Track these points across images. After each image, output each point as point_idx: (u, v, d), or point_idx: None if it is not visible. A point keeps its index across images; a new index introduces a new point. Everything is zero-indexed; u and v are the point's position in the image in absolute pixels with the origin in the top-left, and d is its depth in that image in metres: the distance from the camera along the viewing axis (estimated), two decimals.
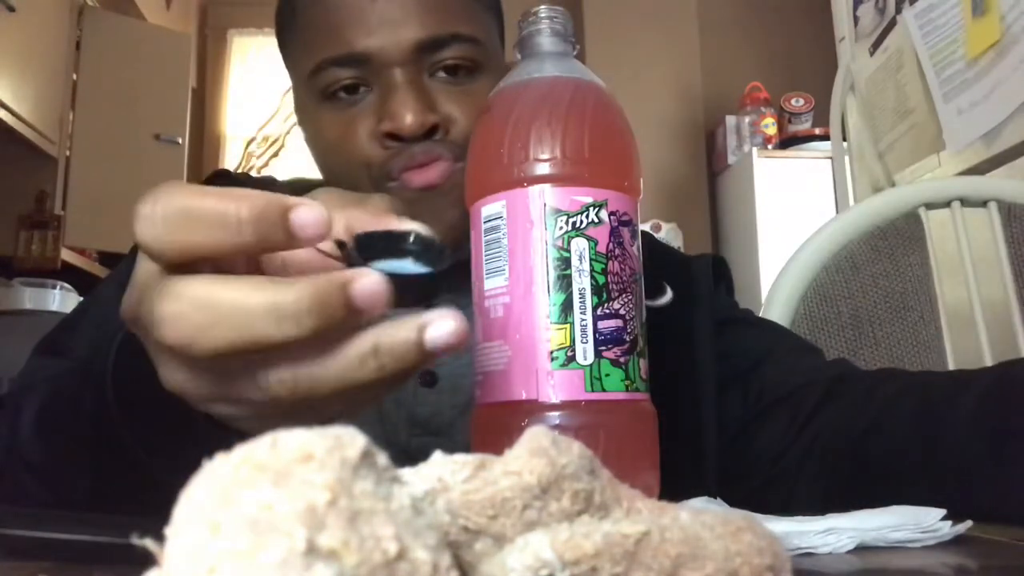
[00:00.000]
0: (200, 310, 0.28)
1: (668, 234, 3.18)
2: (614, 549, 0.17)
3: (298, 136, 0.66)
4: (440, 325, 0.29)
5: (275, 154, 3.82)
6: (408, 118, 0.54)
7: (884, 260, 0.98)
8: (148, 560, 0.16)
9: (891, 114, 1.74)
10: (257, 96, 3.82)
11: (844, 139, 1.89)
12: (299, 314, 0.28)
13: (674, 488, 0.39)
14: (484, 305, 0.43)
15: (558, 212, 0.41)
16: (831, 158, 2.18)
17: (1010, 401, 0.45)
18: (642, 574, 0.17)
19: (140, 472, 0.39)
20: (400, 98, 0.55)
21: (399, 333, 0.29)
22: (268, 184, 0.73)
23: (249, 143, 3.87)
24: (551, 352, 0.40)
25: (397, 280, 0.31)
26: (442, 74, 0.58)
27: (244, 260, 0.33)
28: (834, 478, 0.54)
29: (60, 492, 0.45)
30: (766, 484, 0.59)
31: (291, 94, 0.66)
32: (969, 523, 0.35)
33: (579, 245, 0.41)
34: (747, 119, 3.16)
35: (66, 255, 2.76)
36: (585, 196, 0.41)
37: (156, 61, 3.18)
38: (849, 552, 0.32)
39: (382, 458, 0.17)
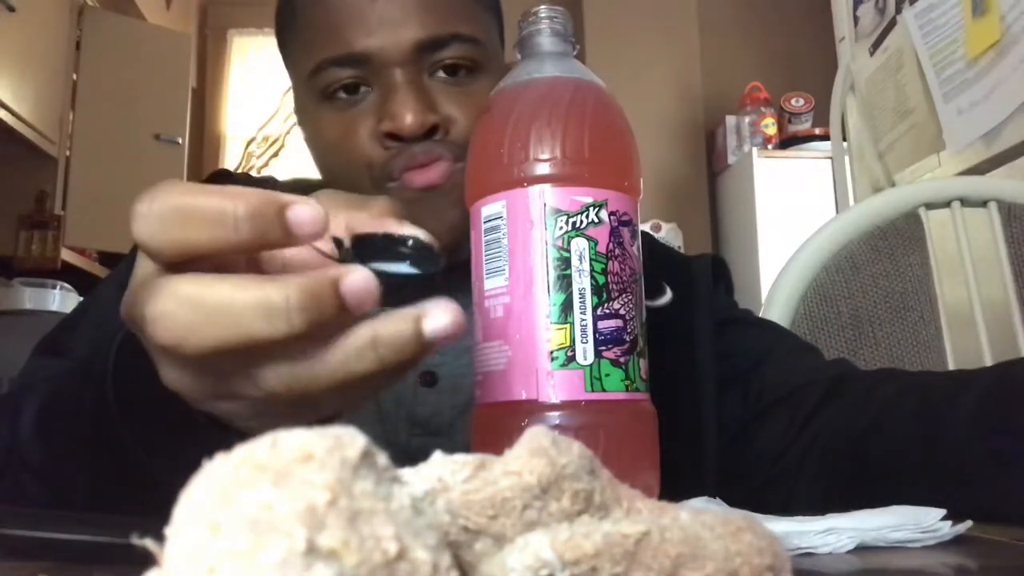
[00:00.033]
0: (190, 309, 0.28)
1: (668, 234, 3.18)
2: (614, 549, 0.17)
3: (298, 136, 0.66)
4: (437, 315, 0.29)
5: (275, 154, 3.82)
6: (408, 118, 0.54)
7: (884, 260, 0.98)
8: (148, 560, 0.16)
9: (891, 114, 1.74)
10: (257, 96, 3.82)
11: (844, 139, 1.89)
12: (289, 311, 0.28)
13: (674, 488, 0.39)
14: (484, 305, 0.43)
15: (558, 212, 0.41)
16: (831, 158, 2.18)
17: (1010, 401, 0.45)
18: (642, 574, 0.17)
19: (140, 472, 0.39)
20: (400, 98, 0.55)
21: (397, 324, 0.29)
22: (268, 184, 0.73)
23: (249, 143, 3.87)
24: (551, 352, 0.40)
25: (392, 281, 0.31)
26: (442, 74, 0.58)
27: (245, 261, 0.33)
28: (834, 478, 0.54)
29: (60, 492, 0.45)
30: (766, 484, 0.59)
31: (291, 94, 0.66)
32: (969, 523, 0.35)
33: (579, 245, 0.41)
34: (747, 119, 3.16)
35: (66, 255, 2.76)
36: (585, 196, 0.41)
37: (156, 61, 3.18)
38: (849, 552, 0.32)
39: (382, 458, 0.17)
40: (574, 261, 0.41)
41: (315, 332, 0.29)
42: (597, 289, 0.41)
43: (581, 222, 0.41)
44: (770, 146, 3.09)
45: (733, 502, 0.44)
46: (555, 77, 0.44)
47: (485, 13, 0.62)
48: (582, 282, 0.41)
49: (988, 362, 0.94)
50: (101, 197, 2.78)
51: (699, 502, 0.42)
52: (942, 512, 0.35)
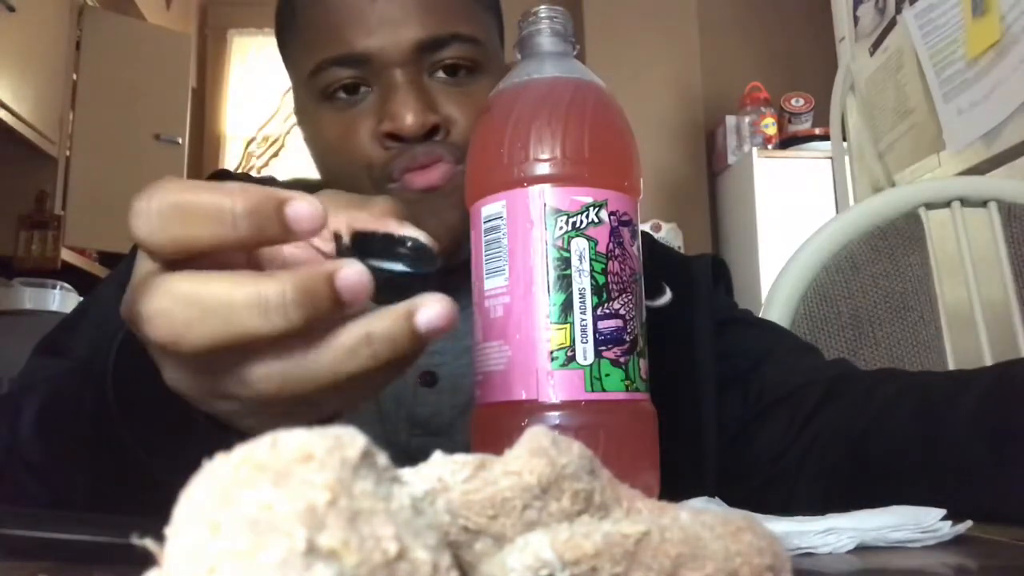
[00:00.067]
0: (186, 305, 0.28)
1: (668, 234, 3.18)
2: (614, 549, 0.17)
3: (298, 136, 0.66)
4: (430, 308, 0.29)
5: (275, 154, 3.83)
6: (409, 118, 0.54)
7: (884, 260, 0.98)
8: (148, 560, 0.16)
9: (891, 114, 1.74)
10: (257, 96, 3.82)
11: (844, 139, 1.89)
12: (285, 306, 0.28)
13: (674, 488, 0.39)
14: (484, 305, 0.43)
15: (558, 212, 0.41)
16: (831, 158, 2.18)
17: (1010, 401, 0.45)
18: (642, 574, 0.17)
19: (140, 472, 0.39)
20: (401, 98, 0.55)
21: (390, 320, 0.29)
22: (268, 184, 0.73)
23: (249, 143, 3.87)
24: (551, 352, 0.40)
25: (388, 280, 0.31)
26: (442, 74, 0.58)
27: (245, 259, 0.33)
28: (834, 478, 0.54)
29: (60, 492, 0.45)
30: (766, 484, 0.59)
31: (291, 94, 0.66)
32: (969, 523, 0.35)
33: (579, 245, 0.41)
34: (747, 119, 3.16)
35: (66, 255, 2.76)
36: (585, 196, 0.41)
37: (156, 61, 3.18)
38: (849, 552, 0.32)
39: (382, 458, 0.17)
40: (574, 261, 0.41)
41: (311, 327, 0.29)
42: (597, 289, 0.41)
43: (581, 222, 0.41)
44: (770, 146, 3.09)
45: (733, 502, 0.44)
46: (555, 77, 0.44)
47: (485, 13, 0.62)
48: (582, 282, 0.41)
49: (988, 362, 0.94)
50: (101, 197, 2.78)
51: (699, 502, 0.42)
52: (942, 512, 0.35)
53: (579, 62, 0.46)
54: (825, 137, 2.59)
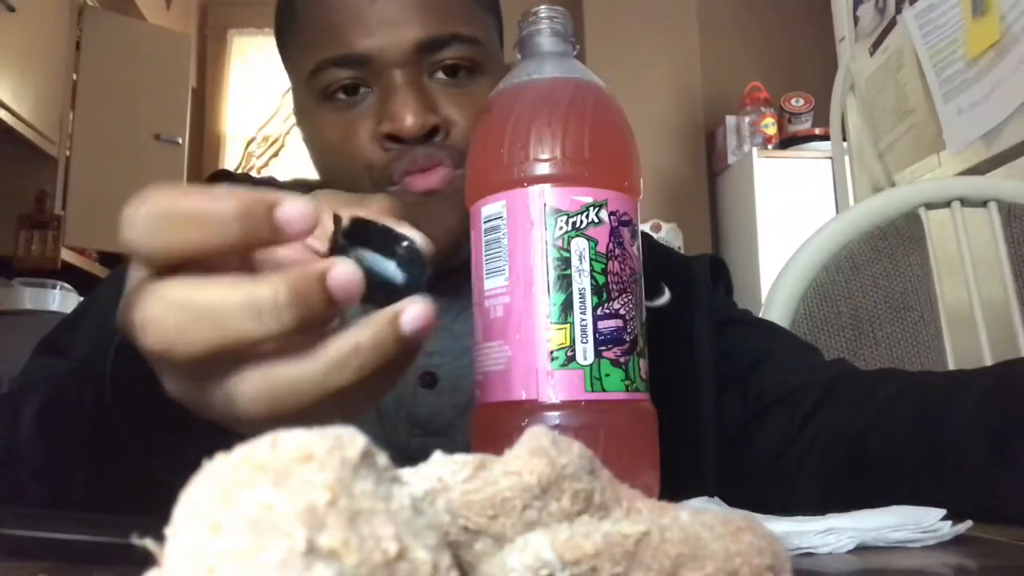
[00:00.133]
0: (178, 312, 0.28)
1: (668, 234, 3.18)
2: (614, 549, 0.17)
3: (298, 136, 0.66)
4: (411, 309, 0.30)
5: (275, 154, 3.83)
6: (409, 119, 0.54)
7: (884, 260, 0.98)
8: (148, 560, 0.16)
9: (891, 114, 1.74)
10: (257, 96, 3.82)
11: (844, 139, 1.89)
12: (277, 308, 0.28)
13: (674, 488, 0.39)
14: (484, 305, 0.43)
15: (558, 212, 0.41)
16: (831, 158, 2.18)
17: (1010, 401, 0.45)
18: (642, 574, 0.17)
19: (140, 472, 0.39)
20: (400, 99, 0.55)
21: (376, 327, 0.29)
22: (269, 184, 0.73)
23: (249, 143, 3.87)
24: (551, 352, 0.40)
25: (375, 287, 0.31)
26: (441, 75, 0.58)
27: (238, 262, 0.33)
28: (834, 478, 0.54)
29: (60, 492, 0.45)
30: (766, 484, 0.59)
31: (291, 95, 0.65)
32: (969, 523, 0.35)
33: (579, 245, 0.41)
34: (747, 119, 3.16)
35: (66, 255, 2.76)
36: (585, 196, 0.41)
37: (156, 61, 3.18)
38: (849, 552, 0.32)
39: (382, 458, 0.17)
40: (574, 261, 0.41)
41: (305, 329, 0.29)
42: (597, 289, 0.41)
43: (581, 222, 0.41)
44: (770, 146, 3.09)
45: (733, 502, 0.44)
46: (555, 77, 0.44)
47: (485, 13, 0.62)
48: (582, 282, 0.41)
49: (988, 362, 0.94)
50: (101, 197, 2.78)
51: (699, 502, 0.42)
52: (942, 512, 0.35)
53: (579, 62, 0.46)
54: (825, 137, 2.59)
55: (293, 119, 0.66)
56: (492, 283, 0.42)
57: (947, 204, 1.02)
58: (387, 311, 0.30)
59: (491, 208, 0.43)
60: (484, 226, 0.43)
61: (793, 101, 3.17)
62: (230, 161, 3.83)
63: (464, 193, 0.46)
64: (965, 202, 1.02)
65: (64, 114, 2.80)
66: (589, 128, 0.42)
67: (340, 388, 0.29)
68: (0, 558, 0.31)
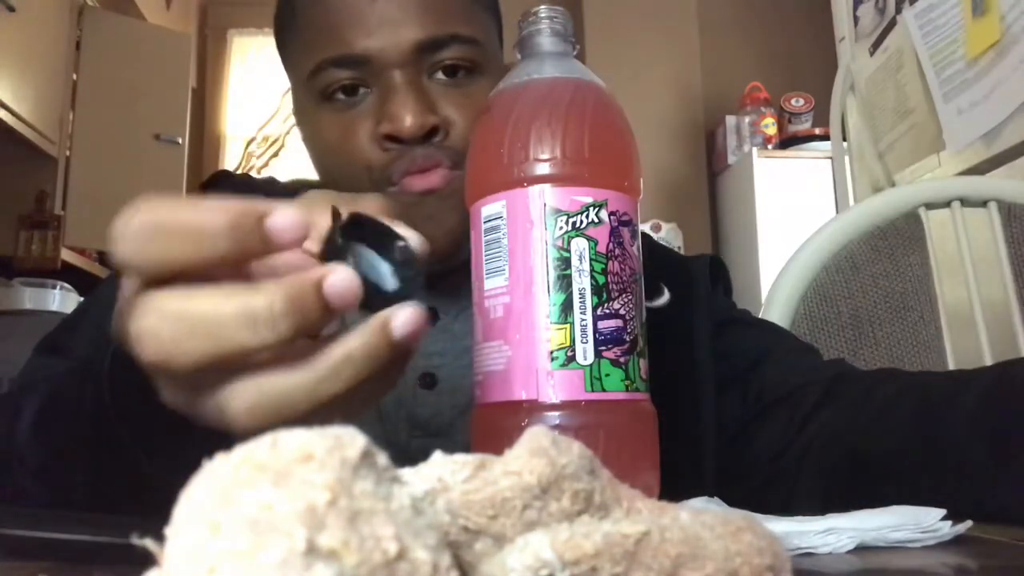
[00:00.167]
0: (174, 323, 0.28)
1: (668, 234, 3.18)
2: (614, 549, 0.17)
3: (298, 136, 0.66)
4: (400, 315, 0.30)
5: (275, 154, 3.83)
6: (408, 120, 0.54)
7: (884, 260, 0.98)
8: (148, 560, 0.16)
9: (891, 114, 1.74)
10: (257, 96, 3.82)
11: (844, 139, 1.89)
12: (273, 318, 0.28)
13: (674, 488, 0.39)
14: (484, 305, 0.43)
15: (558, 212, 0.41)
16: (831, 158, 2.18)
17: (1010, 401, 0.45)
18: (642, 574, 0.17)
19: (140, 472, 0.39)
20: (400, 99, 0.55)
21: (367, 334, 0.29)
22: (270, 185, 0.73)
23: (249, 143, 3.87)
24: (551, 352, 0.40)
25: (372, 288, 0.30)
26: (441, 75, 0.57)
27: (230, 268, 0.33)
28: (834, 478, 0.54)
29: (59, 492, 0.45)
30: (766, 484, 0.59)
31: (291, 95, 0.65)
32: (969, 523, 0.35)
33: (579, 245, 0.41)
34: (747, 119, 3.16)
35: (66, 255, 2.76)
36: (585, 196, 0.41)
37: (156, 61, 3.18)
38: (849, 552, 0.32)
39: (382, 458, 0.17)
40: (574, 261, 0.41)
41: (302, 336, 0.29)
42: (597, 289, 0.41)
43: (581, 222, 0.41)
44: (770, 146, 3.09)
45: (733, 502, 0.44)
46: (555, 77, 0.44)
47: (484, 14, 0.62)
48: (582, 282, 0.41)
49: (988, 362, 0.94)
50: (101, 197, 2.78)
51: (699, 502, 0.42)
52: (942, 512, 0.35)
53: (579, 62, 0.46)
54: (825, 137, 2.59)
55: (293, 119, 0.66)
56: (492, 283, 0.42)
57: (947, 204, 1.02)
58: (378, 317, 0.30)
59: (491, 208, 0.43)
60: (484, 226, 0.43)
61: (793, 101, 3.17)
62: (230, 161, 3.83)
63: (463, 193, 0.46)
64: (965, 202, 1.02)
65: (64, 114, 2.80)
66: (589, 128, 0.42)
67: (334, 396, 0.29)
68: (0, 558, 0.31)
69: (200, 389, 0.30)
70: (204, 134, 3.82)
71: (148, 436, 0.39)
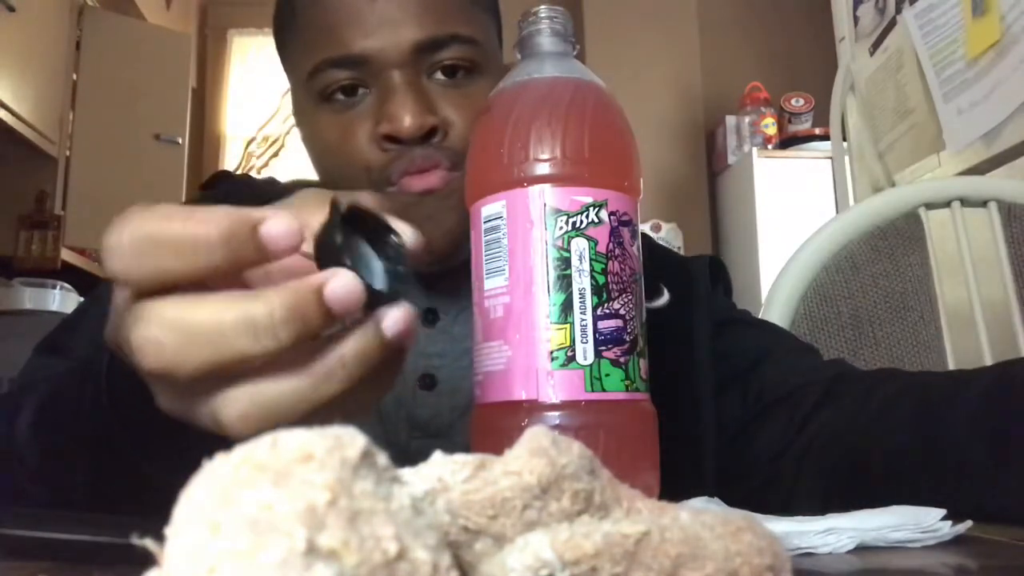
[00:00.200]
0: (175, 333, 0.28)
1: (668, 234, 3.18)
2: (614, 549, 0.17)
3: (298, 136, 0.66)
4: (391, 315, 0.30)
5: (275, 154, 3.83)
6: (407, 120, 0.54)
7: (884, 260, 0.98)
8: (148, 560, 0.16)
9: (891, 114, 1.74)
10: (257, 96, 3.82)
11: (844, 139, 1.89)
12: (274, 327, 0.28)
13: (674, 488, 0.39)
14: (484, 305, 0.43)
15: (558, 212, 0.41)
16: (831, 158, 2.18)
17: (1010, 401, 0.45)
18: (642, 574, 0.17)
19: (139, 472, 0.39)
20: (399, 100, 0.55)
21: (360, 337, 0.29)
22: (270, 185, 0.73)
23: (249, 143, 3.87)
24: (551, 352, 0.40)
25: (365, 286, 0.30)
26: (440, 75, 0.57)
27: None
28: (834, 478, 0.54)
29: (59, 492, 0.45)
30: (765, 484, 0.59)
31: (290, 95, 0.65)
32: (969, 523, 0.35)
33: (579, 245, 0.41)
34: (747, 119, 3.16)
35: (66, 255, 2.76)
36: (585, 196, 0.41)
37: (156, 61, 3.18)
38: (849, 552, 0.32)
39: (382, 458, 0.17)
40: (574, 261, 0.41)
41: (303, 341, 0.28)
42: (597, 289, 0.41)
43: (581, 222, 0.41)
44: (770, 146, 3.09)
45: (733, 502, 0.44)
46: (555, 77, 0.44)
47: (483, 14, 0.62)
48: (582, 282, 0.41)
49: (988, 362, 0.94)
50: (101, 197, 2.78)
51: (699, 502, 0.42)
52: (942, 512, 0.35)
53: (579, 62, 0.46)
54: (825, 137, 2.59)
55: (293, 119, 0.66)
56: (492, 283, 0.42)
57: (947, 204, 1.02)
58: (369, 322, 0.30)
59: (491, 208, 0.43)
60: (484, 226, 0.43)
61: (793, 101, 3.17)
62: (230, 161, 3.83)
63: (462, 194, 0.46)
64: (965, 202, 1.02)
65: (64, 114, 2.80)
66: (589, 128, 0.42)
67: (328, 400, 0.29)
68: (0, 558, 0.31)
69: (195, 396, 0.30)
70: (204, 134, 3.82)
71: (146, 438, 0.39)
